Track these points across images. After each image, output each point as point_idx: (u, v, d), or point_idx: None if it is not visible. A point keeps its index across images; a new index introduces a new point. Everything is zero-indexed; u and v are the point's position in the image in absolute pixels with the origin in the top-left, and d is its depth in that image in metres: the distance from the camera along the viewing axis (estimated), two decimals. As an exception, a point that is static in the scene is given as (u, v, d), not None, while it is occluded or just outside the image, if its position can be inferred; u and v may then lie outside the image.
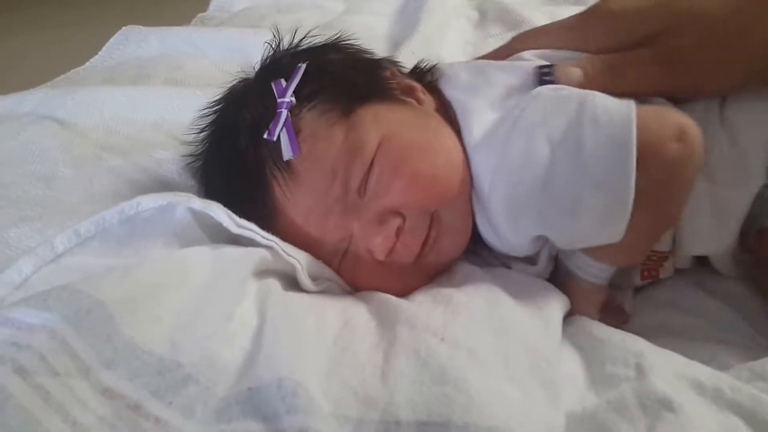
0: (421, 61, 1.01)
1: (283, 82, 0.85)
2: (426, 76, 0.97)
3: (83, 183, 0.98)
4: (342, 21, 1.65)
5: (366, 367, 0.67)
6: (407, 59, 1.06)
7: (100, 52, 1.55)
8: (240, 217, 0.80)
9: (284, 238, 0.82)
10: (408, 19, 1.63)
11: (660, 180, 0.76)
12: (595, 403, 0.68)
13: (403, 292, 0.83)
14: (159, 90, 1.29)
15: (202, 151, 0.93)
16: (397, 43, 1.53)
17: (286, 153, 0.80)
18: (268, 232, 0.81)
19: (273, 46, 0.95)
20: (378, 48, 1.34)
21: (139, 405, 0.60)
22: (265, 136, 0.81)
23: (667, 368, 0.70)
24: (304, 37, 0.95)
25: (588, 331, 0.77)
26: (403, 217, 0.81)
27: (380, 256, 0.81)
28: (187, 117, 0.95)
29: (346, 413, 0.62)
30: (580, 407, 0.68)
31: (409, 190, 0.81)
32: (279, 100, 0.83)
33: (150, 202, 0.80)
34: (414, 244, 0.82)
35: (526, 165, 0.77)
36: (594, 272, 0.83)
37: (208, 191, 0.88)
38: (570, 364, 0.73)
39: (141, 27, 1.61)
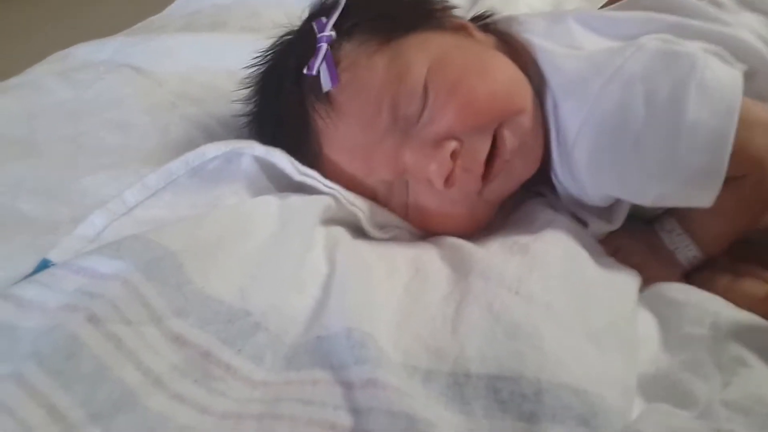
0: (478, 12, 0.97)
1: (324, 19, 0.83)
2: (482, 20, 0.94)
3: (159, 131, 0.98)
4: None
5: (437, 319, 0.67)
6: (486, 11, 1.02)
7: (176, 0, 1.55)
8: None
9: (333, 177, 0.81)
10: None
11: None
12: (669, 363, 0.66)
13: (472, 226, 0.82)
14: (234, 38, 1.28)
15: (252, 105, 0.92)
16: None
17: (325, 84, 0.78)
18: (317, 172, 0.81)
19: None
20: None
21: (209, 352, 0.61)
22: (305, 71, 0.80)
23: (744, 328, 0.68)
24: None
25: (664, 294, 0.75)
26: (460, 141, 0.78)
27: (439, 184, 0.78)
28: (258, 66, 0.95)
29: (416, 364, 0.62)
30: (653, 368, 0.66)
31: (464, 111, 0.78)
32: (318, 35, 0.82)
33: (213, 150, 0.81)
34: (475, 167, 0.79)
35: (618, 121, 0.74)
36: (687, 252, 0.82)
37: (266, 141, 0.86)
38: (644, 327, 0.71)
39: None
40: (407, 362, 0.62)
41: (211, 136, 0.96)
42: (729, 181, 0.72)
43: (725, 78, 0.73)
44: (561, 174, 0.83)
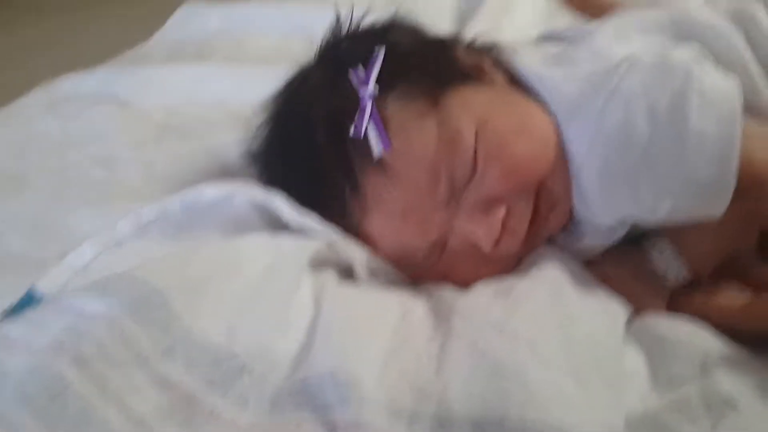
0: (478, 36, 0.95)
1: (361, 69, 0.80)
2: (488, 52, 0.92)
3: (144, 165, 0.98)
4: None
5: (421, 359, 0.66)
6: (474, 35, 1.02)
7: (161, 30, 1.55)
8: (321, 214, 0.79)
9: (375, 237, 0.80)
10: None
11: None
12: (657, 403, 0.66)
13: (494, 276, 0.80)
14: (219, 69, 1.29)
15: (267, 149, 0.89)
16: (464, 17, 1.48)
17: (377, 149, 0.76)
18: (354, 231, 0.80)
19: (333, 26, 0.90)
20: (445, 22, 1.32)
21: (193, 396, 0.60)
22: (351, 130, 0.77)
23: (734, 368, 0.68)
24: (363, 16, 0.90)
25: (653, 329, 0.75)
26: (507, 205, 0.77)
27: (487, 248, 0.78)
28: (246, 96, 0.94)
29: (401, 406, 0.62)
30: (642, 407, 0.66)
31: (513, 176, 0.78)
32: (361, 91, 0.78)
33: (211, 190, 0.80)
34: (520, 229, 0.78)
35: (624, 138, 0.74)
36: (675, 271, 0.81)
37: (278, 186, 0.83)
38: (633, 362, 0.71)
39: (202, 3, 1.61)
40: (392, 404, 0.61)
41: (198, 172, 0.96)
42: None
43: (723, 85, 0.74)
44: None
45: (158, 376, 0.60)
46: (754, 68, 0.83)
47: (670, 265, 0.80)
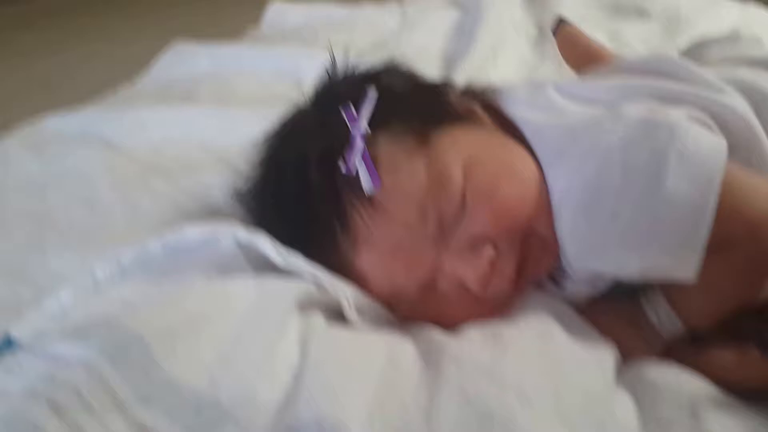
0: (471, 82, 0.97)
1: (353, 109, 0.81)
2: (479, 97, 0.92)
3: (128, 208, 0.97)
4: (395, 40, 1.63)
5: (410, 407, 0.65)
6: (461, 82, 1.03)
7: (149, 70, 1.55)
8: (312, 252, 0.79)
9: (365, 275, 0.79)
10: (463, 37, 1.60)
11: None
12: None
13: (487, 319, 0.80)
14: (206, 110, 1.28)
15: (260, 187, 0.88)
16: (451, 64, 1.50)
17: (366, 185, 0.77)
18: (345, 268, 0.79)
19: (327, 69, 0.91)
20: (432, 68, 1.32)
21: (174, 445, 0.59)
22: (341, 167, 0.78)
23: (723, 411, 0.68)
24: (358, 61, 0.91)
25: (642, 373, 0.74)
26: (495, 245, 0.77)
27: (475, 287, 0.77)
28: (233, 138, 0.94)
29: None
30: None
31: (502, 217, 0.78)
32: (352, 129, 0.79)
33: (194, 232, 0.79)
34: (508, 269, 0.78)
35: (597, 189, 0.74)
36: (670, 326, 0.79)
37: (268, 225, 0.84)
38: (622, 408, 0.69)
39: (191, 44, 1.61)
40: None
41: (182, 213, 0.95)
42: (720, 252, 0.71)
43: (707, 146, 0.73)
44: None
45: (136, 424, 0.59)
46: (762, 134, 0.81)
47: (663, 319, 0.79)
